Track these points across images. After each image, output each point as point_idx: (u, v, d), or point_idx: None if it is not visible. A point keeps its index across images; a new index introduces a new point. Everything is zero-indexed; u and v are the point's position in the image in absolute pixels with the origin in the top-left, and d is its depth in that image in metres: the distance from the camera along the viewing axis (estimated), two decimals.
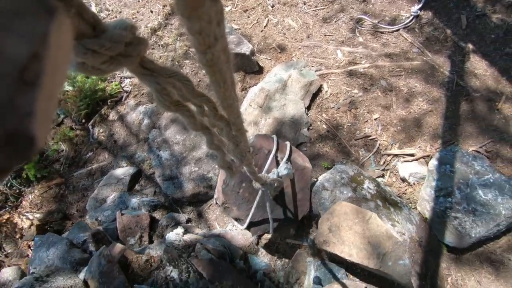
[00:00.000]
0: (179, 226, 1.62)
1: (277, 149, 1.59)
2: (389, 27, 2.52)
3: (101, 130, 2.67)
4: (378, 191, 1.69)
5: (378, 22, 2.56)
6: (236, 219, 1.61)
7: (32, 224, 2.16)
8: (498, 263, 1.70)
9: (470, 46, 2.28)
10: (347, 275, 1.49)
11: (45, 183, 2.46)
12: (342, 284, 1.33)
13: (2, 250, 2.26)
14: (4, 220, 2.27)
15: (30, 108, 0.18)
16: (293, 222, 1.60)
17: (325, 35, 2.67)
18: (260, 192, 1.38)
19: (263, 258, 1.67)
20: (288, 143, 1.64)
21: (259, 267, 1.58)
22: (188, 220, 2.08)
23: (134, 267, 1.22)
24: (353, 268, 1.48)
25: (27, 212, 2.35)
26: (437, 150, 2.00)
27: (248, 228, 1.54)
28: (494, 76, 2.16)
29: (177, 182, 2.17)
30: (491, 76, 2.16)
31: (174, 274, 1.19)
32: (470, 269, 1.70)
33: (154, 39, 3.08)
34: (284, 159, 1.54)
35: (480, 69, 2.20)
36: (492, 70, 2.18)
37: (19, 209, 2.38)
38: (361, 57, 2.45)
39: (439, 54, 2.32)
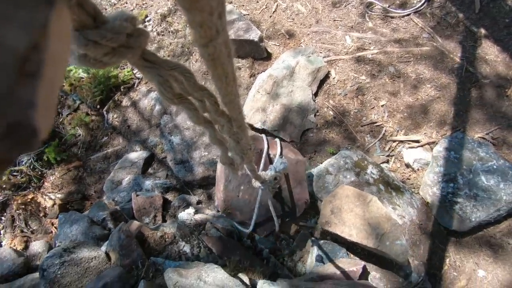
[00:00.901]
0: (190, 207, 1.73)
1: (268, 147, 1.62)
2: (399, 11, 2.48)
3: (115, 116, 2.78)
4: (381, 176, 1.74)
5: (388, 6, 2.52)
6: (241, 223, 1.61)
7: (54, 204, 2.32)
8: (497, 246, 1.76)
9: (483, 31, 2.23)
10: (348, 254, 1.57)
11: (65, 165, 2.61)
12: (343, 262, 1.42)
13: (28, 227, 2.45)
14: (29, 200, 2.44)
15: (32, 99, 0.18)
16: (294, 216, 1.64)
17: (334, 20, 2.65)
18: (260, 191, 1.39)
19: (269, 238, 1.77)
20: (277, 140, 1.68)
21: (265, 245, 1.68)
22: (199, 202, 2.19)
23: (150, 242, 1.34)
24: (353, 248, 1.57)
25: (49, 192, 2.51)
26: (443, 136, 2.02)
27: (254, 230, 1.55)
28: (506, 62, 2.13)
29: (188, 166, 2.28)
30: (503, 62, 2.13)
31: (187, 248, 1.30)
32: (469, 251, 1.76)
33: (164, 25, 3.12)
34: (278, 155, 1.57)
35: (491, 54, 2.16)
36: (504, 55, 2.14)
37: (41, 190, 2.54)
38: (370, 43, 2.44)
39: (449, 40, 2.28)
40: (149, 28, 3.20)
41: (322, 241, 1.59)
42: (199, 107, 0.55)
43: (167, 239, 1.36)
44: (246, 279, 1.15)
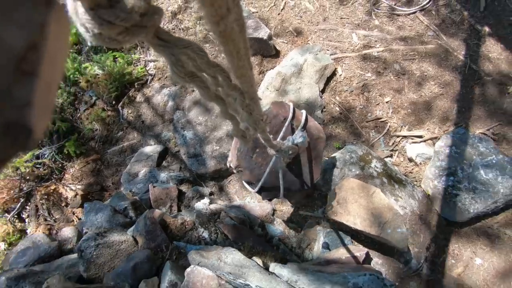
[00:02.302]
0: (205, 197, 1.85)
1: (293, 117, 1.59)
2: (405, 9, 2.54)
3: (129, 111, 2.90)
4: (385, 169, 1.85)
5: (394, 4, 2.58)
6: (248, 183, 1.60)
7: (77, 194, 2.47)
8: (494, 236, 1.86)
9: (487, 29, 2.29)
10: (352, 241, 1.69)
11: (83, 158, 2.76)
12: (347, 248, 1.54)
13: (51, 216, 2.61)
14: (51, 190, 2.60)
15: (28, 99, 0.17)
16: (304, 189, 1.63)
17: (341, 18, 2.72)
18: (274, 158, 1.40)
19: (278, 227, 1.90)
20: (304, 111, 1.64)
21: (275, 233, 1.81)
22: (211, 193, 2.33)
23: (172, 228, 1.47)
24: (357, 236, 1.68)
25: (70, 183, 2.67)
26: (445, 132, 2.11)
27: (259, 192, 1.56)
28: (509, 60, 2.19)
29: (200, 159, 2.40)
30: (505, 59, 2.19)
31: (205, 234, 1.43)
32: (467, 241, 1.87)
33: (174, 22, 3.21)
34: (300, 127, 1.53)
35: (494, 52, 2.23)
36: (507, 53, 2.20)
37: (63, 181, 2.70)
38: (376, 41, 2.51)
39: (454, 38, 2.35)
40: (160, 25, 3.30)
41: (328, 230, 1.70)
42: (212, 83, 0.56)
43: (187, 226, 1.50)
44: (259, 261, 1.28)
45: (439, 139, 2.06)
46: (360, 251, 1.50)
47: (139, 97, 2.92)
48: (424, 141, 2.15)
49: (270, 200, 1.68)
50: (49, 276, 1.10)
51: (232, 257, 1.15)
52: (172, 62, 0.46)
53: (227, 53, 0.51)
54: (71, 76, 2.95)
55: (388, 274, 1.66)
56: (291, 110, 1.59)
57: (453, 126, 2.13)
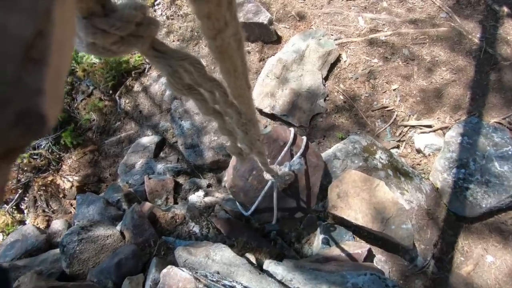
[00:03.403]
0: (200, 189, 1.78)
1: (293, 143, 1.59)
2: None
3: (127, 101, 2.83)
4: (390, 161, 1.73)
5: None
6: (242, 204, 1.60)
7: (72, 185, 2.44)
8: (508, 233, 1.74)
9: (505, 9, 2.11)
10: (354, 237, 1.60)
11: (81, 149, 2.71)
12: (348, 244, 1.45)
13: (49, 207, 2.59)
14: (48, 182, 2.56)
15: (39, 86, 0.17)
16: (298, 216, 1.62)
17: (347, 1, 2.56)
18: (269, 182, 1.40)
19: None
20: (304, 138, 1.65)
21: (273, 228, 1.73)
22: (209, 185, 2.25)
23: (162, 222, 1.40)
24: (359, 232, 1.59)
25: (67, 175, 2.63)
26: (457, 121, 1.97)
27: (252, 215, 1.55)
28: None
29: (198, 150, 2.32)
30: None
31: (196, 229, 1.36)
32: (478, 237, 1.75)
33: (173, 9, 3.10)
34: (298, 154, 1.53)
35: None
36: None
37: (60, 172, 2.66)
38: (383, 24, 2.36)
39: (469, 19, 2.18)
40: (158, 12, 3.19)
41: (328, 225, 1.61)
42: (208, 98, 0.54)
43: (177, 220, 1.43)
44: (252, 258, 1.20)
45: (450, 129, 1.93)
46: (361, 247, 1.40)
47: (136, 86, 2.84)
48: (434, 131, 2.02)
49: (261, 224, 1.66)
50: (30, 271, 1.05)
51: (221, 254, 1.07)
52: (169, 73, 0.44)
53: (223, 72, 0.49)
54: None
55: (392, 272, 1.56)
56: (292, 136, 1.59)
57: (465, 115, 1.98)
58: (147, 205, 1.47)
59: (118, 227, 1.42)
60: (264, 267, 1.20)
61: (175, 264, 1.09)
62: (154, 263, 1.07)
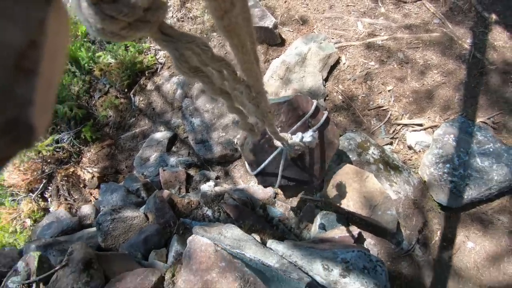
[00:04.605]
0: (210, 180, 1.99)
1: (313, 115, 1.55)
2: None
3: (141, 99, 3.04)
4: (382, 156, 1.92)
5: None
6: (249, 164, 1.61)
7: (93, 176, 2.66)
8: (488, 222, 1.92)
9: (494, 16, 2.27)
10: (348, 224, 1.80)
11: (99, 143, 2.94)
12: (341, 229, 1.65)
13: (71, 196, 2.83)
14: (70, 173, 2.80)
15: (29, 96, 0.17)
16: (301, 186, 1.67)
17: (347, 6, 2.73)
18: (279, 148, 1.41)
19: (279, 209, 2.02)
20: (326, 112, 1.60)
21: (275, 215, 1.94)
22: (217, 177, 2.46)
23: (179, 207, 1.62)
24: (352, 218, 1.79)
25: (87, 166, 2.86)
26: (445, 120, 2.15)
27: (256, 175, 1.58)
28: None
29: (207, 145, 2.53)
30: (511, 48, 2.18)
31: (209, 213, 1.57)
32: (460, 225, 1.94)
33: (183, 11, 3.28)
34: (314, 127, 1.50)
35: (500, 41, 2.21)
36: None
37: (80, 164, 2.89)
38: (380, 29, 2.52)
39: (460, 25, 2.33)
40: (169, 14, 3.38)
41: (325, 212, 1.81)
42: (217, 78, 0.55)
43: (192, 205, 1.64)
44: (258, 238, 1.41)
45: (438, 127, 2.11)
46: (353, 231, 1.60)
47: (149, 85, 3.05)
48: (424, 129, 2.20)
49: (265, 186, 1.71)
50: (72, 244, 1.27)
51: (231, 232, 1.28)
52: (176, 57, 0.45)
53: (232, 48, 0.50)
54: (86, 64, 3.10)
55: (380, 254, 1.77)
56: (313, 108, 1.54)
57: (454, 115, 2.16)
58: (166, 192, 1.69)
59: (141, 211, 1.63)
60: (267, 245, 1.41)
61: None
62: (175, 239, 1.28)
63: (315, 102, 1.57)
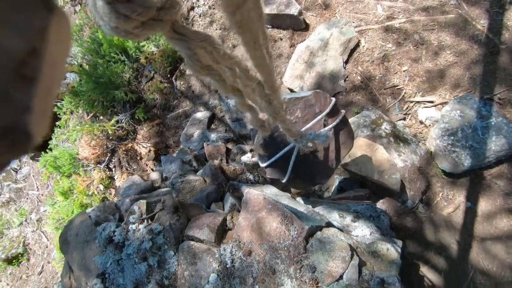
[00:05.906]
0: (248, 152, 2.44)
1: (330, 113, 1.53)
2: None
3: (181, 83, 3.49)
4: (393, 131, 2.26)
5: None
6: (260, 156, 1.61)
7: (150, 150, 3.23)
8: (486, 185, 2.24)
9: None
10: (361, 186, 2.20)
11: (149, 123, 3.47)
12: (355, 190, 2.06)
13: (130, 167, 3.43)
14: (129, 147, 3.38)
15: (28, 103, 0.17)
16: (308, 184, 1.63)
17: None
18: (291, 144, 1.43)
19: None
20: (343, 111, 1.59)
21: None
22: (251, 150, 2.92)
23: (227, 173, 2.09)
24: (365, 182, 2.18)
25: (142, 142, 3.42)
26: (454, 97, 2.40)
27: (266, 167, 1.57)
28: None
29: (242, 123, 2.96)
30: None
31: (251, 177, 2.03)
32: (461, 188, 2.27)
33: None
34: (329, 127, 1.49)
35: None
36: None
37: (136, 140, 3.47)
38: (399, 12, 2.71)
39: (475, 6, 2.48)
40: (201, 2, 3.70)
41: (342, 177, 2.22)
42: (229, 75, 0.56)
43: (238, 171, 2.11)
44: (289, 195, 1.86)
45: (447, 104, 2.37)
46: (364, 191, 2.01)
47: (188, 71, 3.48)
48: (435, 105, 2.47)
49: (273, 180, 1.68)
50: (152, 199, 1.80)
51: (270, 189, 1.73)
52: (188, 55, 0.46)
53: (244, 43, 0.51)
54: (133, 54, 3.56)
55: (388, 210, 2.17)
56: (331, 106, 1.51)
57: (463, 92, 2.40)
58: (216, 161, 2.17)
59: (199, 175, 2.14)
60: (296, 200, 1.86)
61: (240, 197, 1.78)
62: (229, 195, 1.76)
63: (333, 100, 1.55)
